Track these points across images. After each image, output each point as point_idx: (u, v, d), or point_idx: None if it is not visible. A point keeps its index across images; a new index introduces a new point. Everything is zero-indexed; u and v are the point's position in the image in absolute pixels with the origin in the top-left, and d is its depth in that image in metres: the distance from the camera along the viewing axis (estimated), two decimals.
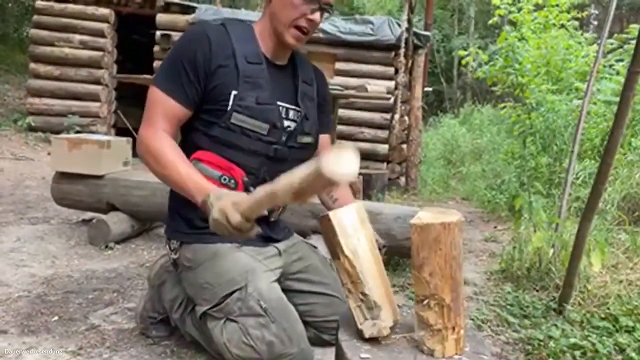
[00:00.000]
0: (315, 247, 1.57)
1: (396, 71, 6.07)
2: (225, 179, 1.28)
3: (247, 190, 1.30)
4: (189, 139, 1.34)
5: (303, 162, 1.46)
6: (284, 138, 1.34)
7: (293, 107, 1.37)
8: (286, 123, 1.35)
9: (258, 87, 1.28)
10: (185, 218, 1.36)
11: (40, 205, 3.54)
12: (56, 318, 1.82)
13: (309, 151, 1.43)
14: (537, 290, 2.38)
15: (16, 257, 2.45)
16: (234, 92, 1.26)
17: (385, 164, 6.18)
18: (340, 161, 0.80)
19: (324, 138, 1.51)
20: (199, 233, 1.33)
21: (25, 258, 2.45)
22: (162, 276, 1.54)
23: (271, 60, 1.35)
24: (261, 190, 1.01)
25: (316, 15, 1.27)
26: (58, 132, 6.28)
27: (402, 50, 5.69)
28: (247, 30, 1.34)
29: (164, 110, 1.25)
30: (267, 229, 1.41)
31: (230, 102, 1.26)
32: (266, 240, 1.40)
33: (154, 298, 1.58)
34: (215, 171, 1.28)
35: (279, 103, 1.34)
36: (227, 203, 1.03)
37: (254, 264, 1.29)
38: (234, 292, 1.23)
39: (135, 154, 3.45)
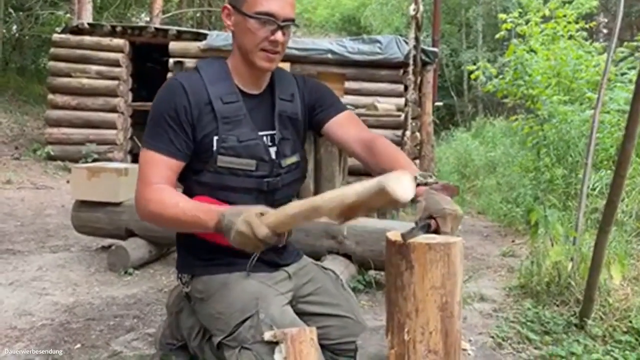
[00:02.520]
0: (326, 268, 1.56)
1: (405, 88, 6.12)
2: None
3: None
4: (184, 188, 1.36)
5: (295, 184, 1.48)
6: (274, 169, 1.34)
7: (274, 132, 1.36)
8: (272, 152, 1.34)
9: (238, 126, 1.29)
10: (192, 252, 1.38)
11: (61, 234, 3.61)
12: (79, 345, 1.85)
13: (298, 170, 1.43)
14: (558, 305, 2.34)
15: (38, 286, 2.50)
16: (215, 137, 1.27)
17: None
18: (402, 183, 0.83)
19: (341, 118, 1.41)
20: (207, 265, 1.35)
21: (47, 286, 2.51)
22: (179, 304, 1.56)
23: (247, 92, 1.35)
24: (296, 205, 1.00)
25: (278, 36, 1.25)
26: (76, 161, 6.44)
27: (410, 68, 5.74)
28: (220, 68, 1.34)
29: (157, 168, 1.25)
30: (276, 255, 1.42)
31: (215, 147, 1.27)
32: (276, 266, 1.41)
33: (173, 325, 1.60)
34: None
35: (261, 134, 1.33)
36: (251, 215, 1.03)
37: (264, 290, 1.30)
38: (245, 319, 1.24)
39: None
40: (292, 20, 1.28)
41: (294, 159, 1.40)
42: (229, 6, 1.29)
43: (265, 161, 1.31)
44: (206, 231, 1.16)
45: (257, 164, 1.30)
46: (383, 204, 0.87)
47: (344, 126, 1.40)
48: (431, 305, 0.91)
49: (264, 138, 1.34)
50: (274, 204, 1.34)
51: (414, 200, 1.08)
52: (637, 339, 1.91)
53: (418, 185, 1.07)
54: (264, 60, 1.28)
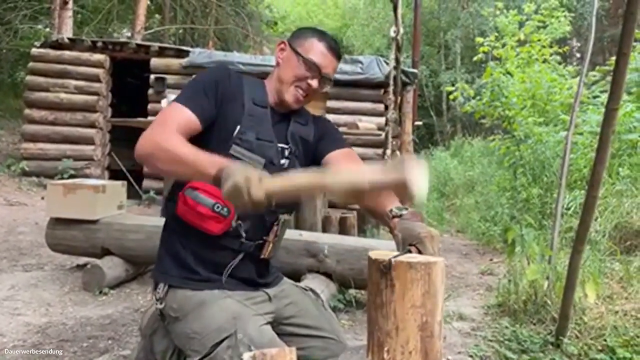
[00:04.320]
0: (306, 289, 1.57)
1: (386, 107, 6.20)
2: (218, 207, 1.30)
3: (239, 220, 1.32)
4: None
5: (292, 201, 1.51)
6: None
7: (287, 146, 1.43)
8: (282, 161, 1.40)
9: (259, 125, 1.36)
10: (172, 256, 1.36)
11: (34, 252, 3.52)
12: None
13: None
14: (534, 324, 2.37)
15: (10, 306, 2.42)
16: (238, 126, 1.33)
17: None
18: (421, 176, 0.80)
19: (342, 153, 1.48)
20: (185, 278, 1.34)
21: (20, 306, 2.43)
22: (153, 325, 1.53)
23: (275, 109, 1.44)
24: (303, 176, 0.97)
25: (314, 82, 1.40)
26: (52, 176, 6.31)
27: (391, 88, 5.83)
28: (258, 83, 1.47)
29: (178, 117, 1.27)
30: (256, 274, 1.42)
31: (233, 134, 1.32)
32: (255, 285, 1.41)
33: (147, 348, 1.56)
34: (209, 199, 1.30)
35: (278, 144, 1.40)
36: (254, 174, 1.02)
37: (242, 310, 1.29)
38: (223, 340, 1.22)
39: (129, 197, 3.48)
40: (330, 78, 1.43)
41: None
42: (286, 42, 1.45)
43: (274, 164, 1.36)
44: (203, 179, 1.13)
45: (266, 165, 1.33)
46: (396, 194, 0.86)
47: (343, 160, 1.47)
48: (411, 324, 0.92)
49: (278, 148, 1.41)
50: (270, 211, 1.37)
51: (391, 233, 1.13)
52: (611, 358, 1.95)
53: (393, 217, 1.12)
54: (292, 97, 1.40)
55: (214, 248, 1.34)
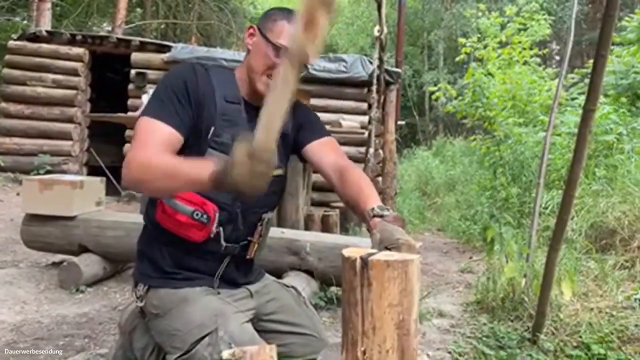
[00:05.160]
0: (287, 285, 1.56)
1: (369, 106, 6.22)
2: (197, 214, 1.27)
3: (220, 226, 1.29)
4: None
5: (274, 195, 1.48)
6: None
7: None
8: None
9: (235, 125, 1.29)
10: (152, 261, 1.34)
11: (9, 249, 3.43)
12: None
13: (280, 184, 1.44)
14: (512, 321, 2.41)
15: None
16: (212, 128, 1.27)
17: None
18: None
19: (323, 143, 1.44)
20: (165, 278, 1.32)
21: None
22: (133, 322, 1.50)
23: (249, 101, 1.37)
24: (269, 101, 0.93)
25: None
26: (28, 172, 6.17)
27: (374, 87, 5.85)
28: (227, 75, 1.38)
29: (156, 136, 1.18)
30: (237, 274, 1.40)
31: (208, 137, 1.26)
32: (236, 285, 1.40)
33: (126, 345, 1.54)
34: (187, 207, 1.27)
35: None
36: (243, 145, 0.95)
37: (223, 307, 1.27)
38: (204, 337, 1.21)
39: (107, 193, 3.42)
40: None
41: (279, 171, 1.40)
42: (255, 27, 1.35)
43: None
44: (199, 186, 1.06)
45: None
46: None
47: (324, 150, 1.43)
48: (388, 323, 0.92)
49: None
50: (250, 210, 1.35)
51: (369, 231, 1.11)
52: (586, 354, 1.99)
53: (374, 216, 1.10)
54: (264, 85, 1.31)
55: (197, 255, 1.32)
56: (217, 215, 1.29)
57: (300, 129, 1.46)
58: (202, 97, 1.28)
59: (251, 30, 1.36)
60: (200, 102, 1.27)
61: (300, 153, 1.46)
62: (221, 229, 1.30)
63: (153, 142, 1.16)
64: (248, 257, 1.41)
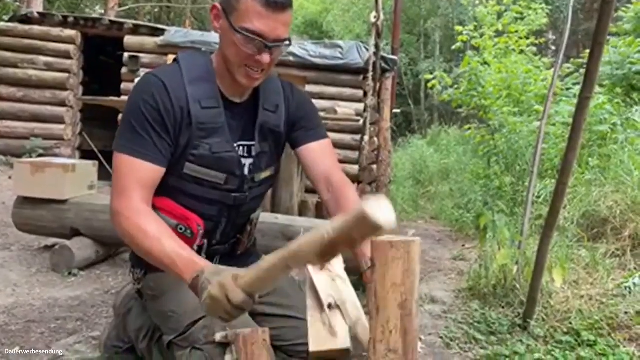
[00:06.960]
0: None
1: (365, 94, 6.20)
2: (181, 228, 1.25)
3: (204, 238, 1.28)
4: None
5: (262, 196, 1.46)
6: (245, 185, 1.29)
7: (254, 142, 1.30)
8: (246, 165, 1.29)
9: (213, 134, 1.21)
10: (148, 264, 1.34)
11: (1, 232, 3.41)
12: (17, 349, 1.75)
13: (269, 184, 1.41)
14: (503, 307, 2.44)
15: None
16: (189, 141, 1.20)
17: (355, 184, 6.25)
18: (381, 208, 0.76)
19: (318, 148, 1.37)
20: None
21: None
22: (128, 304, 1.51)
23: (230, 98, 1.27)
24: (270, 259, 0.91)
25: (264, 57, 1.15)
26: (19, 156, 6.10)
27: (370, 74, 5.82)
28: (204, 67, 1.24)
29: (137, 177, 1.14)
30: (231, 265, 1.40)
31: (185, 151, 1.20)
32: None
33: (120, 327, 1.54)
34: (172, 220, 1.24)
35: (239, 143, 1.28)
36: (228, 277, 0.94)
37: None
38: (199, 319, 1.21)
39: (100, 177, 3.40)
40: (284, 40, 1.16)
41: (268, 172, 1.37)
42: (218, 7, 1.16)
43: (236, 176, 1.26)
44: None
45: (227, 178, 1.25)
46: (365, 233, 0.79)
47: (318, 156, 1.36)
48: (392, 303, 0.92)
49: (240, 148, 1.28)
50: (238, 216, 1.34)
51: (362, 278, 1.09)
52: (576, 340, 2.01)
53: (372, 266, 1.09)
54: (245, 78, 1.19)
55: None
56: (200, 230, 1.27)
57: (294, 126, 1.38)
58: (179, 115, 1.18)
59: (215, 11, 1.17)
60: (177, 122, 1.18)
61: (295, 151, 1.41)
62: (205, 241, 1.30)
63: (133, 187, 1.13)
64: (239, 252, 1.42)
